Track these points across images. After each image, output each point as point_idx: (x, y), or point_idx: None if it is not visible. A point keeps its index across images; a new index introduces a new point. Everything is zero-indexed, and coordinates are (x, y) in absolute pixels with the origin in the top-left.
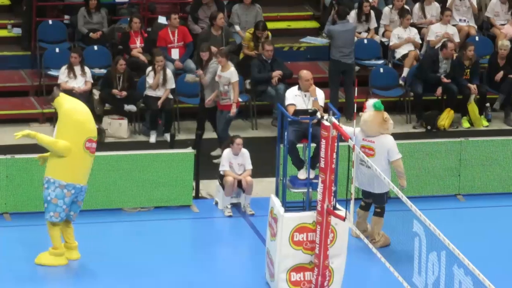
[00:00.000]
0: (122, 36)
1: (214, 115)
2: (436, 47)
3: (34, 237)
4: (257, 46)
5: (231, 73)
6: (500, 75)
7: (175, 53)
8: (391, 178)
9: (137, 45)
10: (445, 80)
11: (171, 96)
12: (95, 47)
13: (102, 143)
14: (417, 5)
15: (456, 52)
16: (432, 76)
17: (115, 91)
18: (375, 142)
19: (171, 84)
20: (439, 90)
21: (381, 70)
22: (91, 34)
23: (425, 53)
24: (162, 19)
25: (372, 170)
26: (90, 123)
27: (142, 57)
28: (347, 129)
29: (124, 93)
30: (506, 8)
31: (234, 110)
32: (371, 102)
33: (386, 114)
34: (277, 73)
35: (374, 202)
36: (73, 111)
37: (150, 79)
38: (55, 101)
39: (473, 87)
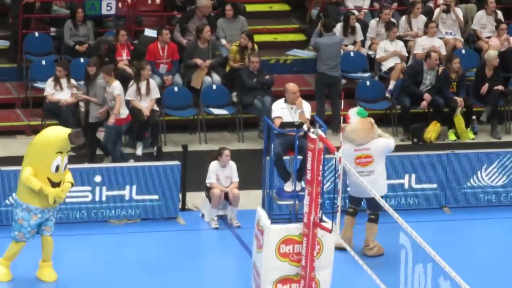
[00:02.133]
0: (108, 48)
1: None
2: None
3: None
4: (243, 58)
5: (114, 88)
6: (485, 88)
7: (163, 69)
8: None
9: (124, 57)
10: (427, 98)
11: (157, 108)
12: (82, 60)
13: (87, 156)
14: (403, 18)
15: (442, 64)
16: (415, 90)
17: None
18: (370, 149)
19: (156, 94)
20: (424, 104)
21: (368, 82)
22: (77, 47)
23: (409, 65)
24: (149, 32)
25: (372, 175)
26: None
27: (128, 70)
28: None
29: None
30: (492, 20)
31: (112, 120)
32: (353, 111)
33: (371, 119)
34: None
35: (369, 209)
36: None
37: (131, 95)
38: None
39: (459, 100)
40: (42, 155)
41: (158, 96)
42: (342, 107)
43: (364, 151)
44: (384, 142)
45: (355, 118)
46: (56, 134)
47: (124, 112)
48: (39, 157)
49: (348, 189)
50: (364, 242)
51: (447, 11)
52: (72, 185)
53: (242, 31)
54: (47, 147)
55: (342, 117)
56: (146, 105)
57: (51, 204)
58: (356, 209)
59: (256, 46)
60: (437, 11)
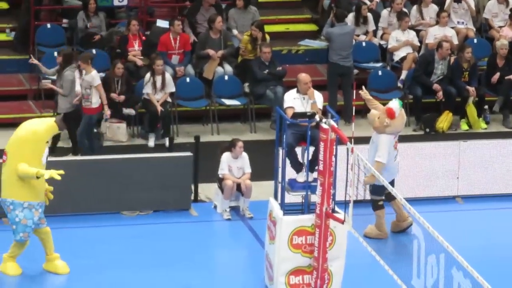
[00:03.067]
0: (120, 39)
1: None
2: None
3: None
4: (255, 48)
5: (92, 77)
6: (496, 77)
7: (175, 59)
8: None
9: (135, 48)
10: (437, 88)
11: (169, 100)
12: (94, 51)
13: (100, 147)
14: (414, 7)
15: (454, 54)
16: (425, 81)
17: (113, 95)
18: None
19: (171, 88)
20: (440, 94)
21: (380, 72)
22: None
23: (420, 55)
24: (161, 23)
25: (397, 159)
26: None
27: (139, 61)
28: None
29: (122, 96)
30: (504, 8)
31: (108, 112)
32: (396, 106)
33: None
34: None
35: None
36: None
37: (148, 88)
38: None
39: (471, 89)
40: (34, 149)
41: (173, 90)
42: (354, 97)
43: (397, 137)
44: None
45: (399, 110)
46: (44, 124)
47: (97, 102)
48: (32, 151)
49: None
50: (396, 219)
51: (458, 0)
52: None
53: (253, 23)
54: (38, 141)
55: (353, 107)
56: (159, 98)
57: (45, 199)
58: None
59: (267, 37)
60: (448, 0)
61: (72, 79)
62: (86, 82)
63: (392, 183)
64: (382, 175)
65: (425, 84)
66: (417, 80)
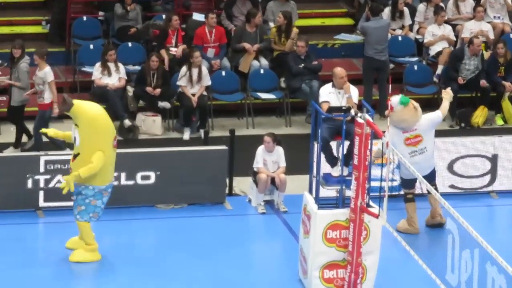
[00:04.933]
0: (160, 33)
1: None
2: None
3: (69, 233)
4: (281, 39)
5: (45, 73)
6: None
7: (211, 53)
8: None
9: (173, 43)
10: (461, 81)
11: (205, 93)
12: (130, 44)
13: (135, 140)
14: (451, 1)
15: (490, 49)
16: (452, 74)
17: (148, 88)
18: (418, 129)
19: (207, 81)
20: (483, 82)
21: (415, 67)
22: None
23: (452, 51)
24: (197, 16)
25: (426, 153)
26: (110, 121)
27: (178, 55)
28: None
29: (157, 90)
30: None
31: (56, 110)
32: (396, 100)
33: (413, 103)
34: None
35: (431, 182)
36: (96, 117)
37: (182, 81)
38: (72, 111)
39: (507, 84)
40: (105, 134)
41: (209, 83)
42: (390, 92)
43: (412, 132)
44: (429, 117)
45: (399, 107)
46: (95, 108)
47: (49, 97)
48: (105, 137)
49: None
50: (430, 213)
51: None
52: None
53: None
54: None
55: (389, 102)
56: (195, 92)
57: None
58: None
59: (295, 29)
60: None
61: (28, 71)
62: (39, 78)
63: (429, 178)
64: (400, 170)
65: (453, 79)
66: (447, 75)
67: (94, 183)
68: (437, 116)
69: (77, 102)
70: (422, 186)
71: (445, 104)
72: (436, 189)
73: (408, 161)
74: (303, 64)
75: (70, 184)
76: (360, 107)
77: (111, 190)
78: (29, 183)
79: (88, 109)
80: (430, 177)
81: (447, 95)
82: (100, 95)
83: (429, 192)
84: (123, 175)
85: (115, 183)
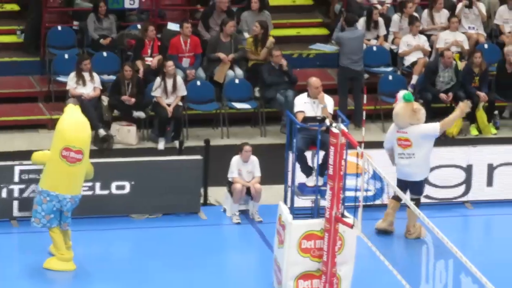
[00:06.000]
0: (136, 43)
1: None
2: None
3: (43, 243)
4: (257, 49)
5: None
6: None
7: (186, 62)
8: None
9: (149, 53)
10: (443, 97)
11: (180, 103)
12: (104, 53)
13: (110, 150)
14: (426, 12)
15: (465, 59)
16: (432, 91)
17: (124, 97)
18: (408, 133)
19: (182, 91)
20: (450, 96)
21: (390, 77)
22: (101, 41)
23: (426, 64)
24: (172, 26)
25: (412, 159)
26: (72, 132)
27: (153, 65)
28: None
29: (133, 99)
30: None
31: None
32: (401, 93)
33: (416, 105)
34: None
35: (411, 193)
36: (60, 121)
37: (157, 92)
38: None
39: (482, 94)
40: (56, 138)
41: (185, 93)
42: (365, 102)
43: (403, 134)
44: (423, 127)
45: (401, 101)
46: (70, 113)
47: None
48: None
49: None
50: (405, 228)
51: (469, 5)
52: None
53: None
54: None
55: (364, 112)
56: (171, 102)
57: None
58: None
59: (271, 38)
60: (460, 5)
61: None
62: None
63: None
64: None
65: (431, 93)
66: (424, 89)
67: (39, 183)
68: (433, 130)
69: (68, 105)
70: (389, 189)
71: (451, 117)
72: (417, 203)
73: (396, 162)
74: (282, 70)
75: None
76: (335, 117)
77: (63, 204)
78: (3, 193)
79: (64, 112)
80: (414, 187)
81: (459, 109)
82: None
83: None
84: (97, 184)
85: (90, 192)
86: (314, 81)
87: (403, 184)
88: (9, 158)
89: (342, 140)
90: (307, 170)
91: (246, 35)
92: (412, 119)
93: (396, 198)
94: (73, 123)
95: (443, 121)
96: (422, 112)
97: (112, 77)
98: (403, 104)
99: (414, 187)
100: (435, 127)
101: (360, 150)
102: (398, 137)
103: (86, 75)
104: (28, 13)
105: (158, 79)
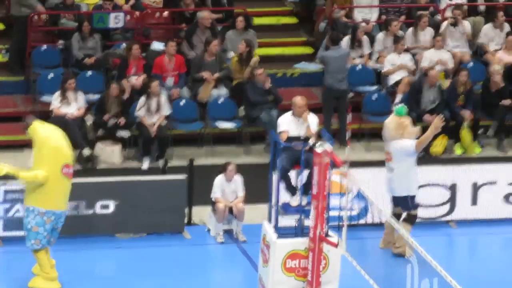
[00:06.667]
0: (120, 63)
1: None
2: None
3: (28, 262)
4: (242, 67)
5: None
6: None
7: (170, 81)
8: (416, 184)
9: (133, 71)
10: (427, 118)
11: (165, 122)
12: (89, 73)
13: (94, 169)
14: (410, 30)
15: (450, 78)
16: (417, 112)
17: (106, 116)
18: (389, 147)
19: (166, 110)
20: (434, 117)
21: (374, 96)
22: (86, 60)
23: (413, 82)
24: (156, 44)
25: (392, 173)
26: (66, 149)
27: (138, 84)
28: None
29: (122, 119)
30: (499, 32)
31: None
32: (396, 107)
33: (405, 120)
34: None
35: (402, 209)
36: (48, 138)
37: (141, 111)
38: (29, 129)
39: (467, 113)
40: (53, 157)
41: (169, 112)
42: (349, 121)
43: (387, 148)
44: (402, 143)
45: (394, 114)
46: (50, 130)
47: None
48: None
49: None
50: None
51: (455, 24)
52: (15, 175)
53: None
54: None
55: (348, 131)
56: (155, 121)
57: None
58: (397, 212)
59: (256, 57)
60: (444, 24)
61: None
62: None
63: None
64: None
65: (416, 113)
66: (410, 109)
67: (35, 203)
68: (410, 146)
69: (35, 123)
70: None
71: (426, 134)
72: (407, 219)
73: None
74: (269, 97)
75: (2, 170)
76: (319, 136)
77: (59, 220)
78: None
79: (42, 130)
80: (400, 202)
81: (433, 125)
82: (59, 124)
83: (401, 220)
84: (82, 204)
85: (74, 212)
86: (298, 100)
87: (392, 198)
88: None
89: (326, 159)
90: (291, 190)
91: (231, 54)
92: (396, 132)
93: (395, 216)
94: (63, 139)
95: (420, 139)
96: (409, 129)
97: (97, 96)
98: (393, 116)
99: (400, 202)
100: (411, 144)
101: (344, 169)
102: (385, 149)
103: (70, 94)
104: (13, 32)
105: (142, 99)
